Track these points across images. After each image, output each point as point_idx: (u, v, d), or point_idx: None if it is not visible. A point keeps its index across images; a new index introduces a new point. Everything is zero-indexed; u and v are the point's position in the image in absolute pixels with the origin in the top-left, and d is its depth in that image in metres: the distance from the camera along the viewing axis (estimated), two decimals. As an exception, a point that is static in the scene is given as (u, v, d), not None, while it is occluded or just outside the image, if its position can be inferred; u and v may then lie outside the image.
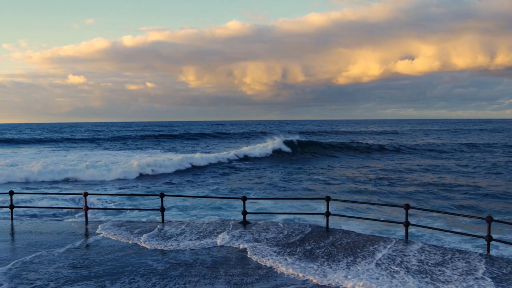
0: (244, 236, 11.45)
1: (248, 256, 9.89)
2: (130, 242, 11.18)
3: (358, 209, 18.40)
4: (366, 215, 16.78)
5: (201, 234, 11.82)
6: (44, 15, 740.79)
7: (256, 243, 10.78)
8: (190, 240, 11.29)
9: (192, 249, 10.50)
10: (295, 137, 54.86)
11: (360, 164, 38.64)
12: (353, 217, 14.02)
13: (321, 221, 14.67)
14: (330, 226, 12.40)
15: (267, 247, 10.49)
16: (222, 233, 11.72)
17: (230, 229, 12.22)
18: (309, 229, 12.09)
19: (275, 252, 10.11)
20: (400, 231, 13.53)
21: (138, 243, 11.08)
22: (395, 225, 13.87)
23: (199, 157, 38.17)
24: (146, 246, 10.78)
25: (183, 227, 12.64)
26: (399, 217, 15.25)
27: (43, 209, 17.81)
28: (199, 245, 10.86)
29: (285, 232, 11.84)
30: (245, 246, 10.62)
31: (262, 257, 9.72)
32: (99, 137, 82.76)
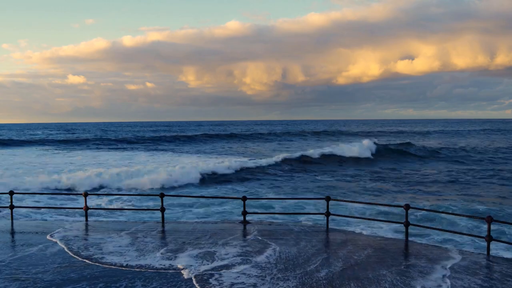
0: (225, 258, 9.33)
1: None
2: (80, 258, 9.61)
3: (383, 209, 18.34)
4: (386, 217, 16.43)
5: (182, 246, 10.30)
6: (44, 15, 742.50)
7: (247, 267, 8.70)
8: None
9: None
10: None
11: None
12: (356, 217, 14.22)
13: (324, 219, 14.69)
14: (345, 228, 12.43)
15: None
16: (206, 247, 10.11)
17: (226, 238, 11.04)
18: (318, 235, 11.53)
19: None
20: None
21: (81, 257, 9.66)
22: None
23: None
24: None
25: (171, 231, 12.22)
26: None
27: (44, 209, 17.85)
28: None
29: (287, 238, 11.41)
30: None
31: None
32: (182, 134, 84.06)
